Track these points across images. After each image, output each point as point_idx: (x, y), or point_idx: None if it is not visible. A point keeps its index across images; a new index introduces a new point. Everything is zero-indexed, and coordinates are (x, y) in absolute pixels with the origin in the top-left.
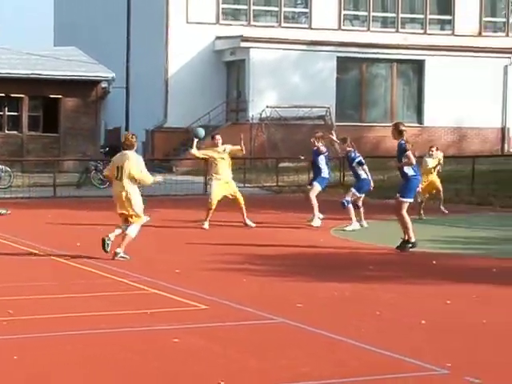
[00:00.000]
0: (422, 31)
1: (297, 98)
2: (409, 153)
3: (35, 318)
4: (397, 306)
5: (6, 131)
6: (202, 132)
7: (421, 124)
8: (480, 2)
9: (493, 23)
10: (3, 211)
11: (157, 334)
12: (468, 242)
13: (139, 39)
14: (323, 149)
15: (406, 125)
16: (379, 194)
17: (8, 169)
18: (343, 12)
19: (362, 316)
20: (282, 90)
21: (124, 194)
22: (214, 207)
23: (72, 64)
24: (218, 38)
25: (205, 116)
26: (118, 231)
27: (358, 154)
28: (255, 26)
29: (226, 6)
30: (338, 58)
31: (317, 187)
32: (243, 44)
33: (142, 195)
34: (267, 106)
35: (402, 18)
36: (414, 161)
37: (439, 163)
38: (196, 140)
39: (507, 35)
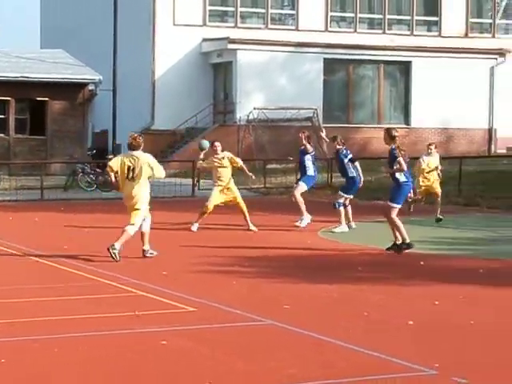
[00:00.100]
0: (408, 32)
1: (284, 99)
2: (400, 159)
3: (20, 321)
4: (385, 307)
5: None
6: (206, 144)
7: (408, 125)
8: (466, 3)
9: (479, 24)
10: None
11: (144, 337)
12: (455, 243)
13: (126, 41)
14: (310, 148)
15: (392, 126)
16: (367, 195)
17: None
18: (330, 13)
19: (350, 317)
20: (269, 91)
21: (135, 193)
22: (208, 212)
23: (59, 66)
24: (205, 39)
25: (192, 118)
26: (146, 237)
27: (349, 151)
28: (242, 27)
29: (212, 7)
30: (324, 59)
31: (302, 186)
32: (230, 46)
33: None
34: (254, 108)
35: (388, 19)
36: (405, 167)
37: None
38: (203, 152)
39: (493, 36)
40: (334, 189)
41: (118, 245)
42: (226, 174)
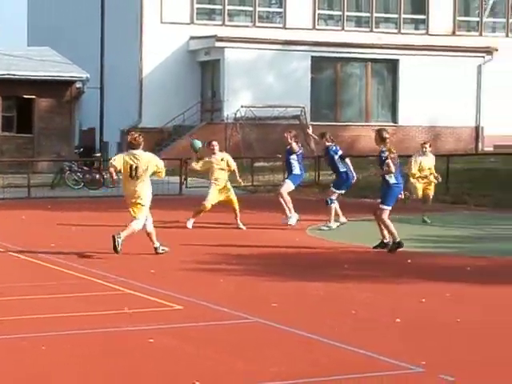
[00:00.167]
0: (396, 31)
1: (271, 97)
2: (388, 161)
3: (8, 319)
4: (372, 305)
5: None
6: (198, 144)
7: (395, 123)
8: (454, 1)
9: (466, 23)
10: None
11: (132, 335)
12: (442, 241)
13: (113, 39)
14: (296, 147)
15: (380, 124)
16: (354, 193)
17: None
18: (317, 12)
19: (337, 315)
20: (256, 89)
21: (138, 191)
22: (205, 211)
23: (46, 64)
24: (193, 37)
25: (179, 116)
26: (153, 236)
27: (338, 148)
28: (230, 25)
29: (200, 5)
30: (312, 57)
31: (288, 184)
32: (218, 44)
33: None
34: (242, 106)
35: (376, 17)
36: (393, 169)
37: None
38: (196, 152)
39: (481, 34)
40: (321, 186)
41: (121, 236)
42: (223, 175)
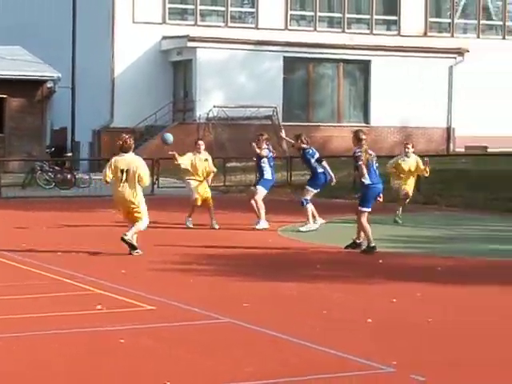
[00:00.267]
0: (368, 31)
1: (244, 97)
2: (360, 164)
3: None
4: (343, 305)
5: None
6: (170, 138)
7: (367, 124)
8: (425, 2)
9: (438, 24)
10: None
11: (103, 335)
12: (414, 241)
13: (85, 39)
14: (265, 152)
15: (352, 124)
16: (326, 194)
17: None
18: (290, 12)
19: (308, 315)
20: (228, 89)
21: (130, 195)
22: (199, 203)
23: (17, 63)
24: (165, 37)
25: (151, 116)
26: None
27: (315, 151)
28: (202, 25)
29: (172, 5)
30: (284, 57)
31: (261, 191)
32: (190, 44)
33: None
34: (214, 106)
35: (348, 18)
36: (364, 172)
37: (421, 167)
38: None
39: (452, 36)
40: (293, 187)
41: (128, 234)
42: (202, 173)
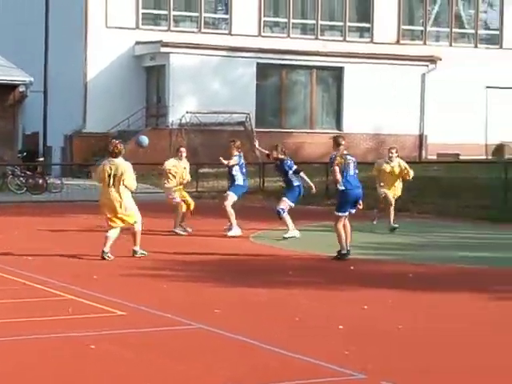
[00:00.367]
0: (341, 38)
1: (217, 103)
2: (334, 168)
3: None
4: (315, 312)
5: None
6: (145, 140)
7: (340, 130)
8: (398, 10)
9: (411, 31)
10: None
11: (73, 341)
12: (385, 248)
13: (58, 43)
14: (234, 162)
15: (324, 131)
16: (300, 201)
17: None
18: (263, 18)
19: (280, 321)
20: (202, 95)
21: (117, 200)
22: (183, 207)
23: None
24: (138, 42)
25: (124, 121)
26: (111, 241)
27: (293, 162)
28: (175, 31)
29: (145, 10)
30: (257, 64)
31: (231, 196)
32: (163, 49)
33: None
34: (187, 112)
35: (321, 25)
36: (338, 177)
37: (404, 170)
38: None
39: (425, 43)
40: (266, 193)
41: (137, 247)
42: (180, 180)
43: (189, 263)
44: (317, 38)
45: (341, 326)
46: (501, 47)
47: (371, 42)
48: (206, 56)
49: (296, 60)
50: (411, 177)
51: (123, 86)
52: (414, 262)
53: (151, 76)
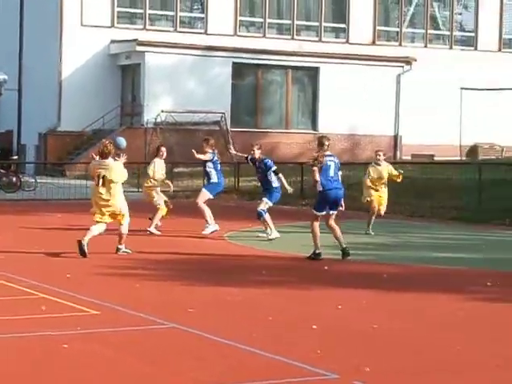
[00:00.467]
0: (316, 39)
1: (192, 103)
2: (314, 169)
3: None
4: (289, 311)
5: None
6: (123, 142)
7: (315, 131)
8: (374, 11)
9: (386, 32)
10: None
11: (46, 340)
12: (360, 248)
13: (33, 41)
14: (207, 157)
15: (300, 131)
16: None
17: None
18: (239, 18)
19: (253, 321)
20: (177, 94)
21: (108, 198)
22: (162, 209)
23: None
24: (113, 41)
25: (99, 120)
26: (92, 234)
27: (273, 163)
28: (151, 30)
29: (121, 9)
30: (233, 63)
31: (204, 193)
32: (138, 48)
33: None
34: (162, 111)
35: (297, 25)
36: (317, 177)
37: (393, 176)
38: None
39: (400, 44)
40: (240, 193)
41: (121, 246)
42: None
43: (163, 262)
44: (293, 38)
45: (314, 326)
46: (475, 49)
47: (347, 42)
48: (181, 55)
49: (272, 60)
50: (401, 179)
51: (98, 85)
52: (389, 263)
53: (126, 75)
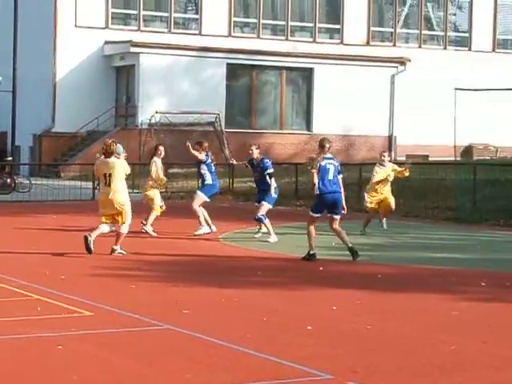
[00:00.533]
0: (311, 39)
1: (187, 104)
2: (312, 171)
3: None
4: (284, 312)
5: None
6: (119, 149)
7: (309, 131)
8: (368, 12)
9: (380, 33)
10: None
11: (40, 341)
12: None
13: (27, 42)
14: (201, 157)
15: (294, 132)
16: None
17: None
18: (233, 19)
19: (248, 322)
20: (171, 95)
21: (114, 197)
22: (158, 211)
23: None
24: (108, 42)
25: (93, 121)
26: (99, 231)
27: (271, 163)
28: (145, 31)
29: (115, 10)
30: (227, 64)
31: (199, 197)
32: (133, 49)
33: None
34: (157, 112)
35: (291, 26)
36: (315, 181)
37: (400, 173)
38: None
39: (394, 45)
40: (235, 194)
41: (117, 246)
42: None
43: (157, 264)
44: (287, 39)
45: (309, 327)
46: (470, 49)
47: (341, 43)
48: (175, 56)
49: (266, 61)
50: (408, 173)
51: (92, 86)
52: (383, 263)
53: (121, 76)
